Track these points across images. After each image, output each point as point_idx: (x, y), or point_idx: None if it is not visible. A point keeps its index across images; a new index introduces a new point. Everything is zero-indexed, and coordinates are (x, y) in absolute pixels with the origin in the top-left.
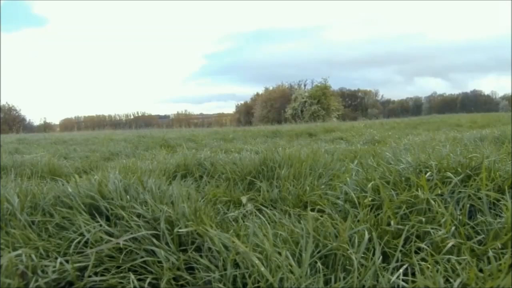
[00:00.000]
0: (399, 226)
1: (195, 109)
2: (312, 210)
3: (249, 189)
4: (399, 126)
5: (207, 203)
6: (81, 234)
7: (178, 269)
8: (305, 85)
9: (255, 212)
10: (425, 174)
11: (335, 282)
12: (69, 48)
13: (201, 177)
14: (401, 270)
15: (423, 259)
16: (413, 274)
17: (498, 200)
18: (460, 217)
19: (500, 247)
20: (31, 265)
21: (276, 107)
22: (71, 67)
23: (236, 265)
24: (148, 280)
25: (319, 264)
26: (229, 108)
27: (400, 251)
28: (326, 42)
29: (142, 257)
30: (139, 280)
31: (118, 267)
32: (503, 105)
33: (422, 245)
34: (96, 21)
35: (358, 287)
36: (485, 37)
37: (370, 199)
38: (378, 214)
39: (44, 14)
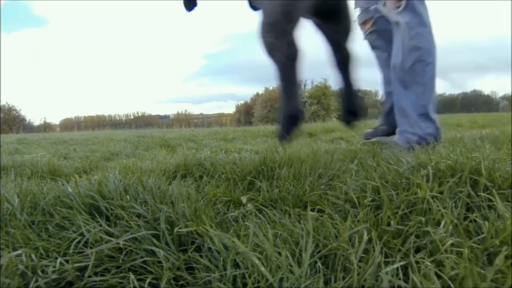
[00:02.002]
0: (399, 226)
1: (195, 109)
2: (312, 210)
3: (249, 189)
4: None
5: (207, 203)
6: (81, 234)
7: (178, 269)
8: (305, 85)
9: (255, 212)
10: (425, 174)
11: (335, 281)
12: (69, 48)
13: (201, 177)
14: (400, 270)
15: (422, 258)
16: (413, 273)
17: (498, 200)
18: (460, 217)
19: (500, 246)
20: (31, 265)
21: (276, 107)
22: (71, 67)
23: (236, 265)
24: (148, 280)
25: (319, 264)
26: (229, 108)
27: (400, 250)
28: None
29: (142, 257)
30: (139, 280)
31: (118, 267)
32: (503, 105)
33: (422, 244)
34: (96, 21)
35: (358, 287)
36: (485, 37)
37: (370, 199)
38: (378, 214)
39: (44, 14)
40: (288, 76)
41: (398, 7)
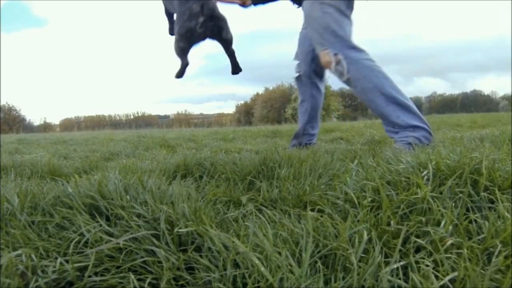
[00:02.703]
0: (399, 226)
1: (195, 109)
2: (312, 210)
3: (249, 189)
4: None
5: (207, 203)
6: (81, 234)
7: (178, 269)
8: None
9: (255, 212)
10: (425, 174)
11: (335, 281)
12: (69, 49)
13: (201, 177)
14: (400, 270)
15: (422, 258)
16: (413, 273)
17: (498, 200)
18: (460, 217)
19: (500, 246)
20: (31, 265)
21: (276, 107)
22: (71, 67)
23: (236, 265)
24: (148, 280)
25: (319, 264)
26: (229, 108)
27: (400, 250)
28: None
29: (142, 257)
30: (139, 280)
31: (118, 267)
32: (503, 105)
33: (422, 243)
34: (95, 21)
35: (358, 287)
36: (485, 37)
37: (369, 199)
38: (378, 214)
39: (44, 15)
40: (183, 65)
41: (337, 62)
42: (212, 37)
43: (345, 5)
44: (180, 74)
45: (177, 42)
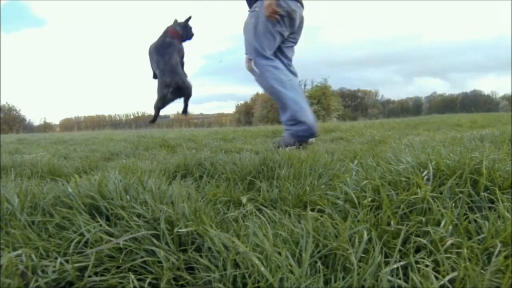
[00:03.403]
0: (399, 226)
1: (195, 109)
2: (312, 210)
3: (249, 189)
4: (399, 126)
5: (207, 203)
6: (81, 234)
7: (178, 269)
8: (305, 85)
9: (255, 212)
10: (425, 173)
11: (335, 281)
12: (69, 48)
13: (201, 177)
14: (400, 270)
15: (422, 258)
16: (413, 273)
17: (498, 200)
18: (460, 217)
19: (500, 246)
20: (31, 265)
21: (276, 107)
22: (71, 67)
23: (236, 265)
24: (148, 280)
25: (319, 264)
26: (229, 108)
27: (400, 250)
28: (326, 42)
29: (142, 257)
30: (139, 280)
31: (118, 267)
32: (503, 105)
33: (423, 242)
34: (95, 21)
35: (358, 287)
36: (485, 37)
37: (369, 199)
38: (378, 214)
39: (44, 15)
40: (155, 117)
41: (251, 65)
42: (180, 97)
43: (275, 23)
44: (152, 122)
45: (157, 102)
